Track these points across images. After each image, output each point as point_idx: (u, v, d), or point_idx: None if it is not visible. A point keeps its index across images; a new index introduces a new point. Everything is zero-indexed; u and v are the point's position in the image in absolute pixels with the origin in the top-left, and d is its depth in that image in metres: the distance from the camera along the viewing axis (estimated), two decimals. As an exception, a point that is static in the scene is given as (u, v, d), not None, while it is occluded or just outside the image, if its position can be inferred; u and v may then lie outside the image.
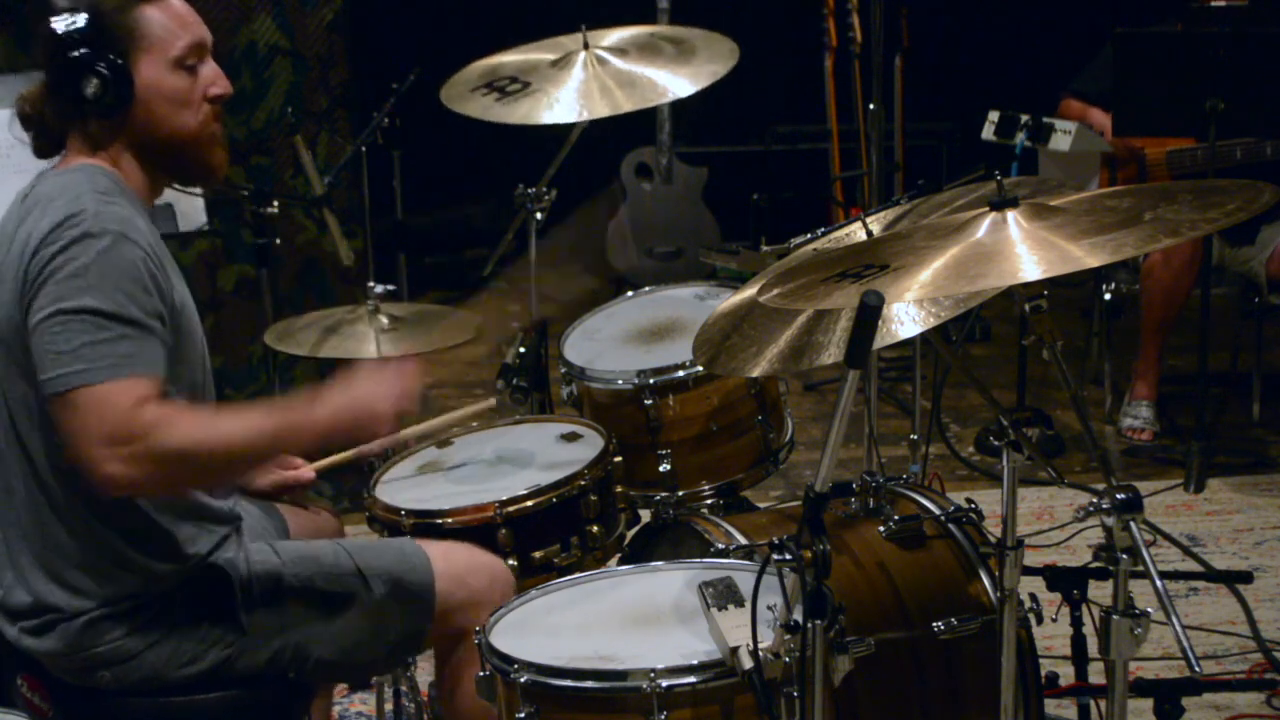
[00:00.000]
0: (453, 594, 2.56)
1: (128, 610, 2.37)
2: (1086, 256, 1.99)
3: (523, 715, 2.23)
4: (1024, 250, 2.04)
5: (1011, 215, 2.13)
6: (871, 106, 5.09)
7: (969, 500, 2.86)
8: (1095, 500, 2.12)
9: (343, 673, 2.74)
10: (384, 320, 3.24)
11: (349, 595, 2.51)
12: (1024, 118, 4.66)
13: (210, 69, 2.44)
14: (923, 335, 2.61)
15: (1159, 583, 2.13)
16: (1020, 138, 4.63)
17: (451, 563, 2.60)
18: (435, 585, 2.56)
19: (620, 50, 3.41)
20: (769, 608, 2.14)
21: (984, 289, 2.20)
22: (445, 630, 2.58)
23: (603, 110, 3.27)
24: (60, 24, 2.35)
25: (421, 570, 2.56)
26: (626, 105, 3.27)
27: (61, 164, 2.42)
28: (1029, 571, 2.60)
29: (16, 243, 2.32)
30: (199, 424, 2.29)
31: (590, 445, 3.02)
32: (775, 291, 2.19)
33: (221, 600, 2.43)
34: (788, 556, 2.01)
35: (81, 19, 2.34)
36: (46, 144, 2.44)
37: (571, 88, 3.32)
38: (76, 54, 2.33)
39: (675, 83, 3.31)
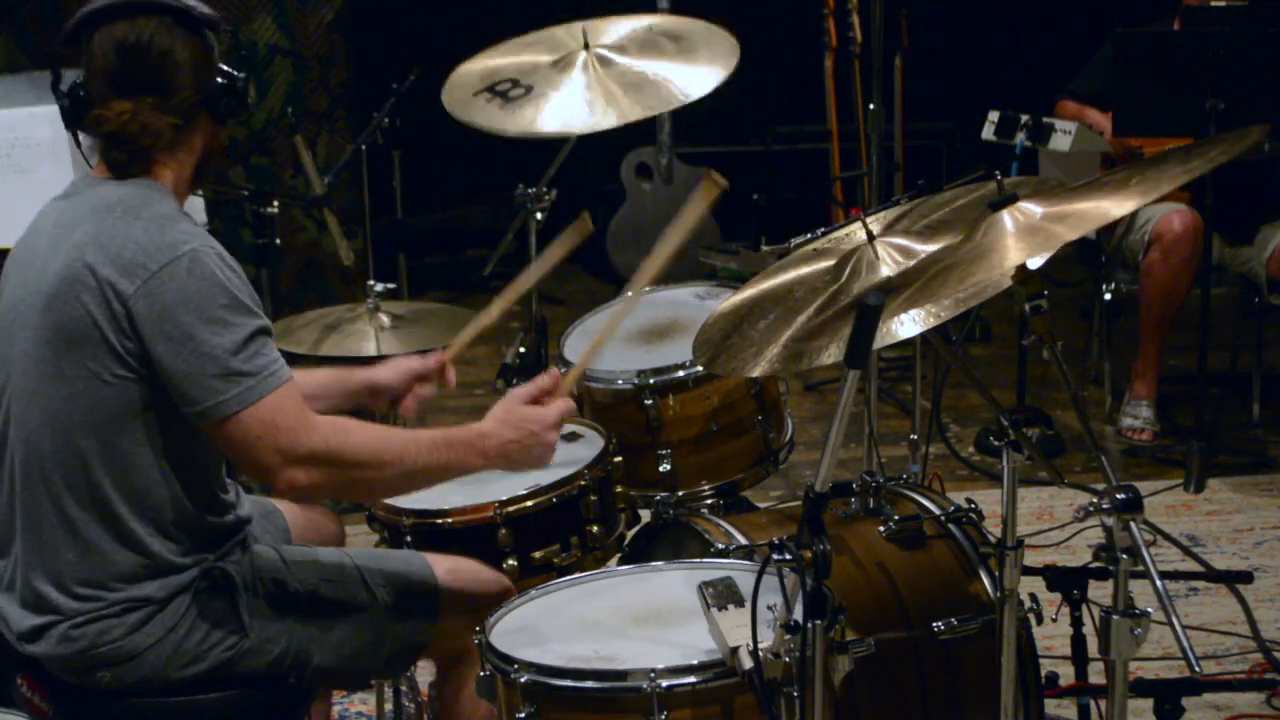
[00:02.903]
0: (455, 608, 2.56)
1: (130, 611, 2.36)
2: (1068, 231, 2.00)
3: (523, 715, 2.23)
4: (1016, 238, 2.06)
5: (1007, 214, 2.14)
6: (871, 106, 5.09)
7: (969, 500, 2.87)
8: (1095, 500, 2.12)
9: (342, 679, 2.74)
10: (384, 318, 3.24)
11: (353, 603, 2.51)
12: (1024, 118, 4.66)
13: None
14: (923, 335, 2.61)
15: (1159, 583, 2.13)
16: (1020, 138, 4.64)
17: (457, 577, 2.59)
18: (439, 599, 2.55)
19: (620, 48, 3.38)
20: (769, 608, 2.14)
21: (981, 285, 2.21)
22: (446, 644, 2.57)
23: (609, 121, 3.24)
24: (222, 37, 2.41)
25: (426, 582, 2.56)
26: (632, 115, 3.24)
27: (120, 175, 2.39)
28: (1029, 571, 2.60)
29: (92, 246, 2.30)
30: (371, 439, 2.38)
31: (590, 445, 3.02)
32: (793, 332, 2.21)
33: (225, 603, 2.43)
34: (788, 556, 2.02)
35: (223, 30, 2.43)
36: (136, 161, 2.38)
37: (576, 94, 3.28)
38: (235, 61, 2.42)
39: (681, 86, 3.28)
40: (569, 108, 3.26)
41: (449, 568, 2.61)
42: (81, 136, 2.43)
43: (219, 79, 2.41)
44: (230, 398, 2.27)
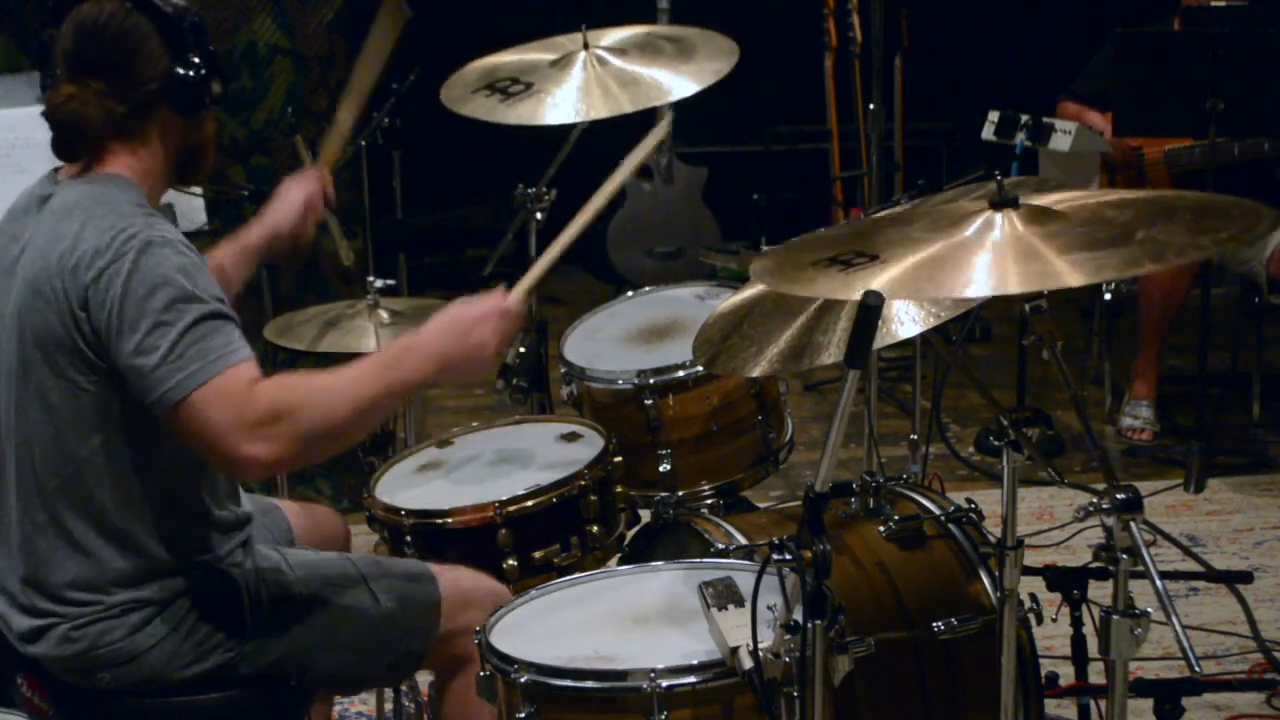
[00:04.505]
0: (456, 618, 2.55)
1: (129, 612, 2.36)
2: (1068, 273, 1.98)
3: (523, 715, 2.23)
4: (1009, 260, 2.04)
5: (1009, 217, 2.12)
6: (871, 106, 5.09)
7: (969, 500, 2.86)
8: (1095, 500, 2.12)
9: (341, 684, 2.74)
10: (384, 315, 3.23)
11: (355, 608, 2.51)
12: (1024, 118, 4.66)
13: None
14: (923, 335, 2.61)
15: (1159, 583, 2.13)
16: (1020, 138, 4.64)
17: (458, 586, 2.59)
18: (441, 606, 2.55)
19: (619, 50, 3.40)
20: (769, 608, 2.14)
21: (962, 296, 2.20)
22: (446, 653, 2.57)
23: (604, 111, 3.27)
24: (189, 20, 2.36)
25: (428, 589, 2.56)
26: (628, 106, 3.26)
27: (84, 171, 2.37)
28: (1029, 571, 2.60)
29: (52, 253, 2.28)
30: (316, 385, 2.31)
31: (590, 445, 3.02)
32: (761, 267, 2.19)
33: (227, 605, 2.42)
34: (788, 556, 2.01)
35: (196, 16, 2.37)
36: (81, 149, 2.36)
37: (573, 88, 3.31)
38: (209, 49, 2.37)
39: (677, 82, 3.30)
40: (569, 102, 3.27)
41: (452, 577, 2.60)
42: None
43: (179, 69, 2.34)
44: (175, 384, 2.22)
